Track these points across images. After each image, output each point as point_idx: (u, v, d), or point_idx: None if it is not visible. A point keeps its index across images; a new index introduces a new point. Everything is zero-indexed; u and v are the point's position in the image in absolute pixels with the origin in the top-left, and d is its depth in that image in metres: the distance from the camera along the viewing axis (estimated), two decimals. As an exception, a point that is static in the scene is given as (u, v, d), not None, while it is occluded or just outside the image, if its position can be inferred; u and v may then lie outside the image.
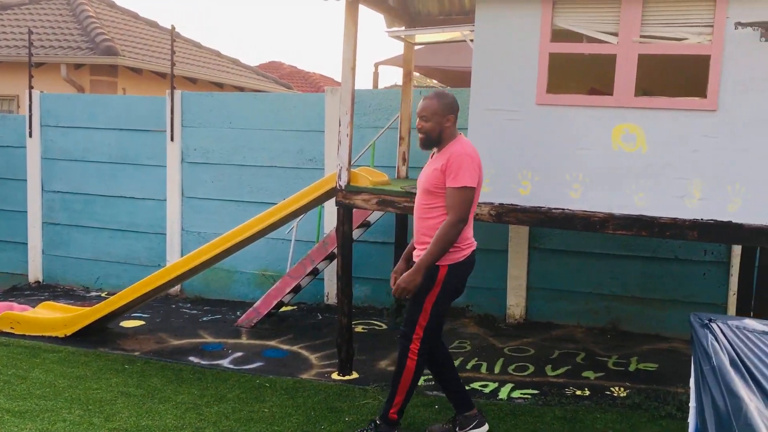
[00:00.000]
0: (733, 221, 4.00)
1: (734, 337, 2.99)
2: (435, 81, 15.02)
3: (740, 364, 2.83)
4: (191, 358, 5.42)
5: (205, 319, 6.60)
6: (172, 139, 7.30)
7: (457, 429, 3.85)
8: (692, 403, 2.87)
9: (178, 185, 7.37)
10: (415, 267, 3.59)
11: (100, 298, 7.09)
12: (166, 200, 7.44)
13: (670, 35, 4.08)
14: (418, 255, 3.73)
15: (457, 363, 5.21)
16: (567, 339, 5.87)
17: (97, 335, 5.90)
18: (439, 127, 3.66)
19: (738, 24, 3.85)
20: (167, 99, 7.25)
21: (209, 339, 5.95)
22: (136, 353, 5.52)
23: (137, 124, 7.51)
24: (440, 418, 4.15)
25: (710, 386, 2.71)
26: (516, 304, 6.38)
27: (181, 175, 7.36)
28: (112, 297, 5.90)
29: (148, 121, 7.45)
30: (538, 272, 6.33)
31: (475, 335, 5.99)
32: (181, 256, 7.07)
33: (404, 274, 3.62)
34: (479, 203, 4.53)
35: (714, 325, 3.04)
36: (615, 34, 4.15)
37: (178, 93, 7.28)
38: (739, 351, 2.91)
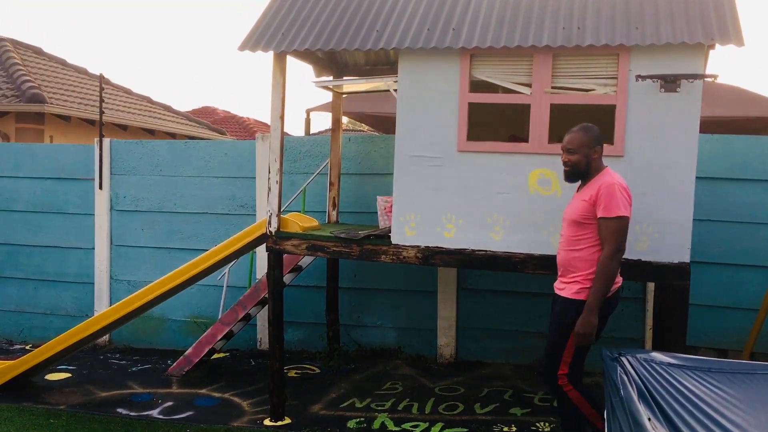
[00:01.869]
0: (642, 259, 4.25)
1: (642, 369, 3.19)
2: (366, 126, 15.30)
3: (647, 395, 3.02)
4: (120, 410, 5.32)
5: (134, 369, 6.48)
6: (100, 187, 7.23)
7: None
8: (606, 433, 3.04)
9: (106, 233, 7.28)
10: (586, 310, 3.56)
11: (24, 351, 6.87)
12: (94, 248, 7.33)
13: (579, 86, 4.36)
14: (559, 288, 3.75)
15: (388, 404, 5.29)
16: (496, 377, 6.02)
17: (20, 389, 5.72)
18: (586, 159, 3.73)
19: (638, 77, 4.16)
20: (95, 147, 7.21)
21: (138, 389, 5.85)
22: (62, 407, 5.38)
23: (64, 173, 7.41)
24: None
25: (618, 417, 2.88)
26: (446, 344, 6.51)
27: (110, 223, 7.28)
28: (37, 349, 5.75)
29: (75, 169, 7.37)
30: (467, 312, 6.50)
31: (407, 376, 6.08)
32: (110, 305, 6.96)
33: (578, 321, 3.58)
34: (406, 246, 4.68)
35: (623, 359, 3.24)
36: (529, 85, 4.41)
37: (106, 141, 7.24)
38: (646, 382, 3.10)
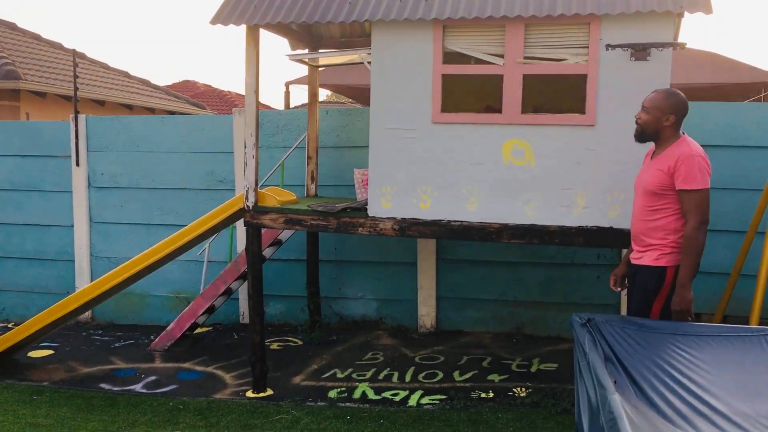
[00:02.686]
0: (614, 227, 4.32)
1: (610, 333, 3.26)
2: (347, 98, 15.25)
3: (614, 358, 3.10)
4: (102, 385, 5.37)
5: (117, 345, 6.51)
6: (77, 164, 7.19)
7: None
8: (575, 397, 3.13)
9: (85, 210, 7.26)
10: (679, 286, 3.51)
11: (6, 329, 6.88)
12: (73, 226, 7.31)
13: (551, 56, 4.38)
14: (636, 258, 3.71)
15: (369, 374, 5.38)
16: (475, 345, 6.12)
17: (3, 367, 5.75)
18: (655, 123, 3.62)
19: (608, 45, 4.19)
20: (71, 123, 7.15)
21: (121, 365, 5.90)
22: (45, 383, 5.42)
23: (41, 150, 7.35)
24: (353, 429, 4.29)
25: (585, 380, 2.96)
26: (427, 314, 6.60)
27: (89, 201, 7.26)
28: (18, 327, 5.77)
29: (52, 146, 7.31)
30: (446, 282, 6.57)
31: (388, 346, 6.16)
32: (91, 282, 6.96)
33: (674, 298, 3.54)
34: (383, 218, 4.72)
35: (592, 324, 3.31)
36: (501, 56, 4.43)
37: (82, 117, 7.18)
38: (614, 346, 3.18)
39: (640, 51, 4.15)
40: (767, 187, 4.93)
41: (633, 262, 3.77)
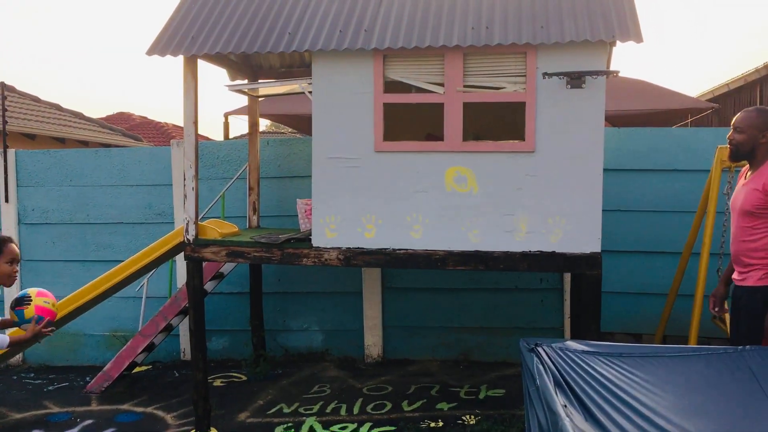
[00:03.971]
0: (557, 251, 4.38)
1: (557, 358, 3.28)
2: (288, 128, 15.17)
3: (563, 383, 3.11)
4: (35, 432, 5.11)
5: (50, 388, 6.22)
6: (6, 200, 6.91)
7: None
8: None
9: (15, 248, 6.95)
10: None
11: (-72, 377, 6.50)
12: (2, 265, 6.99)
13: (490, 84, 4.45)
14: (739, 279, 3.62)
15: (316, 408, 5.28)
16: (423, 373, 6.09)
17: (-75, 417, 5.42)
18: (752, 142, 3.56)
19: (545, 74, 4.28)
20: None
21: (56, 409, 5.62)
22: (-28, 432, 5.12)
23: (-33, 186, 7.04)
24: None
25: (535, 405, 2.95)
26: (373, 343, 6.53)
27: (19, 238, 6.97)
28: (-59, 374, 5.46)
29: (-21, 182, 7.02)
30: (392, 311, 6.54)
31: (335, 378, 6.06)
32: (22, 323, 6.65)
33: None
34: (327, 249, 4.67)
35: (540, 349, 3.32)
36: (441, 85, 4.47)
37: (11, 152, 6.93)
38: (561, 371, 3.19)
39: (575, 79, 4.25)
40: (699, 209, 5.10)
41: (737, 284, 3.68)
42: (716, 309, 3.96)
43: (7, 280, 3.70)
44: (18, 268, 3.85)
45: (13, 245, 3.72)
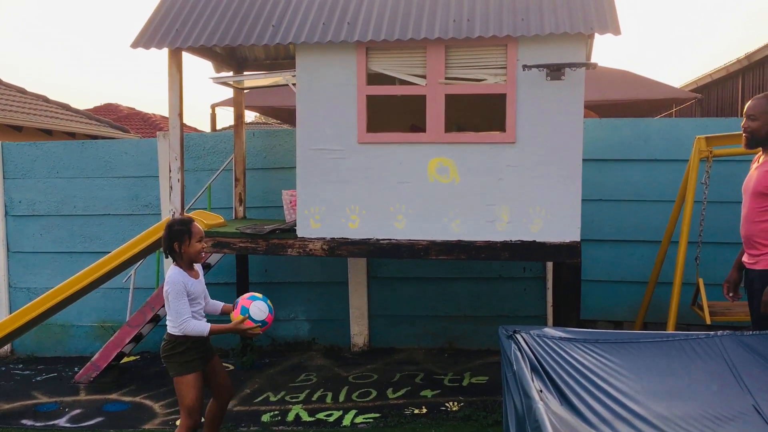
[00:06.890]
0: (537, 240, 4.46)
1: (535, 344, 3.36)
2: (274, 120, 15.18)
3: (539, 369, 3.19)
4: (24, 422, 5.15)
5: (38, 378, 6.26)
6: (-7, 192, 6.92)
7: None
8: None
9: (2, 240, 6.97)
10: None
11: None
12: (-11, 257, 7.01)
13: (471, 76, 4.52)
14: (751, 263, 3.62)
15: (302, 396, 5.35)
16: (408, 362, 6.17)
17: None
18: (767, 127, 3.58)
19: (525, 66, 4.35)
20: (-15, 150, 6.89)
21: (44, 399, 5.67)
22: (-39, 423, 5.16)
23: (-47, 178, 7.04)
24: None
25: (512, 391, 3.03)
26: (359, 332, 6.61)
27: (6, 230, 6.98)
28: (-71, 365, 5.49)
29: (-35, 174, 7.02)
30: (378, 300, 6.61)
31: (321, 367, 6.14)
32: (10, 314, 6.68)
33: (766, 291, 3.47)
34: (312, 239, 4.73)
35: (518, 336, 3.40)
36: (423, 77, 4.53)
37: (-3, 143, 6.94)
38: (538, 357, 3.27)
39: (554, 71, 4.32)
40: (678, 198, 5.19)
41: (748, 267, 3.68)
42: (730, 294, 3.95)
43: (198, 257, 3.88)
44: (205, 245, 4.22)
45: (197, 224, 3.87)
